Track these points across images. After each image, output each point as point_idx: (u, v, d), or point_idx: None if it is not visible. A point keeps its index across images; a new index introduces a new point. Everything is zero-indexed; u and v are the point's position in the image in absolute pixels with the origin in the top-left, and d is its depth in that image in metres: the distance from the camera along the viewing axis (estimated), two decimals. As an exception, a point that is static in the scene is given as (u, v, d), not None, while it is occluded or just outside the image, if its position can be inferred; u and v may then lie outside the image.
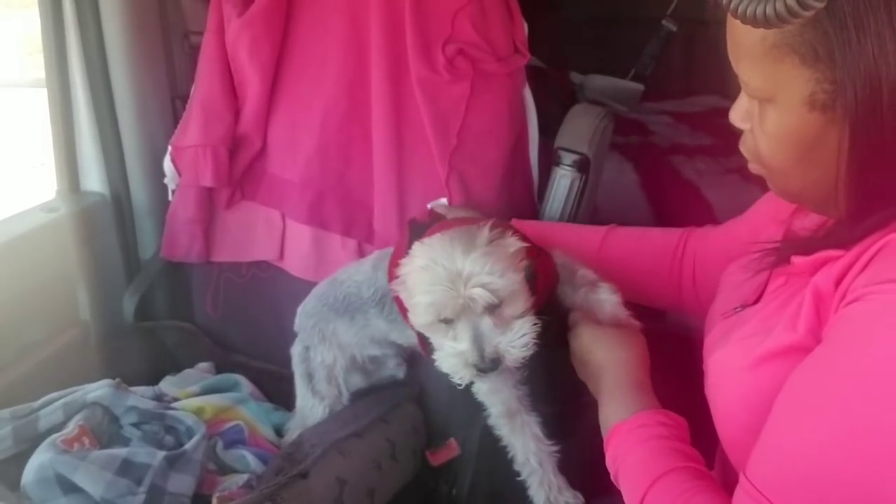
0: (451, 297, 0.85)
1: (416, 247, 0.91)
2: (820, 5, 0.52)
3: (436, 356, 0.91)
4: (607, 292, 0.95)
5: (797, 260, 0.66)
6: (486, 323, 0.86)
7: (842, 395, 0.57)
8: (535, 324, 0.87)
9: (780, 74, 0.61)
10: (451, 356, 0.88)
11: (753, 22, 0.55)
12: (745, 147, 0.72)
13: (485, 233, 0.88)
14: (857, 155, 0.60)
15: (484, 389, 1.01)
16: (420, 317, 0.89)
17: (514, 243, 0.89)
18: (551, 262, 0.98)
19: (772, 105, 0.64)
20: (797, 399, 0.61)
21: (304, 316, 1.21)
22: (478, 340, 0.86)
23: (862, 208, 0.62)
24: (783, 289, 0.71)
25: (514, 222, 1.13)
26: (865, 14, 0.55)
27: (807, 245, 0.67)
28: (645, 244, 1.09)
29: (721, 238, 1.02)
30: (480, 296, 0.84)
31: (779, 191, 0.72)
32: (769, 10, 0.53)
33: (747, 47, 0.63)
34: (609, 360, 0.86)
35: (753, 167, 0.73)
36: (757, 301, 0.76)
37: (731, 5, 0.56)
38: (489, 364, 0.86)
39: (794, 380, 0.61)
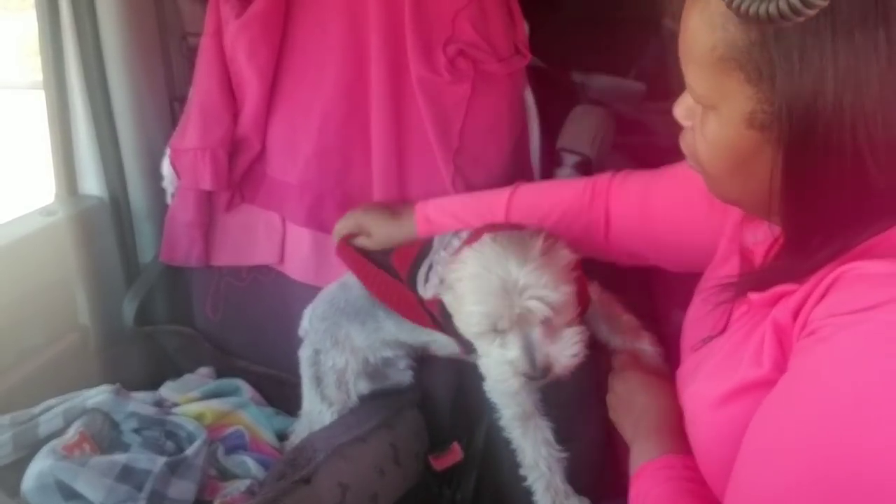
0: (506, 308, 0.85)
1: (468, 253, 0.90)
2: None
3: (482, 363, 0.92)
4: (648, 344, 0.99)
5: (753, 296, 0.66)
6: (537, 332, 0.87)
7: (805, 434, 0.56)
8: (582, 332, 0.88)
9: (725, 87, 0.61)
10: (501, 364, 0.89)
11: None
12: (684, 144, 0.72)
13: (538, 243, 0.88)
14: (789, 180, 0.60)
15: (499, 391, 1.00)
16: (472, 326, 0.89)
17: (566, 255, 0.90)
18: (586, 283, 0.99)
19: (714, 113, 0.64)
20: (761, 439, 0.60)
21: (316, 320, 1.20)
22: (528, 349, 0.86)
23: (802, 236, 0.62)
24: (746, 318, 0.71)
25: (416, 208, 1.14)
26: (812, 47, 0.54)
27: (761, 280, 0.66)
28: (550, 197, 1.08)
29: (638, 191, 1.02)
30: (537, 308, 0.85)
31: (716, 194, 0.72)
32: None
33: (697, 54, 0.62)
34: (652, 406, 0.88)
35: (691, 164, 0.73)
36: (724, 330, 0.76)
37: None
38: (540, 373, 0.86)
39: (758, 418, 0.61)
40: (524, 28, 1.28)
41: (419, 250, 1.05)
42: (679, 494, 0.74)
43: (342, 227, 1.20)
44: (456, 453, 1.22)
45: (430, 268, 0.99)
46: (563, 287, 0.86)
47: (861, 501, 0.52)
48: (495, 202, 1.10)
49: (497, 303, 0.85)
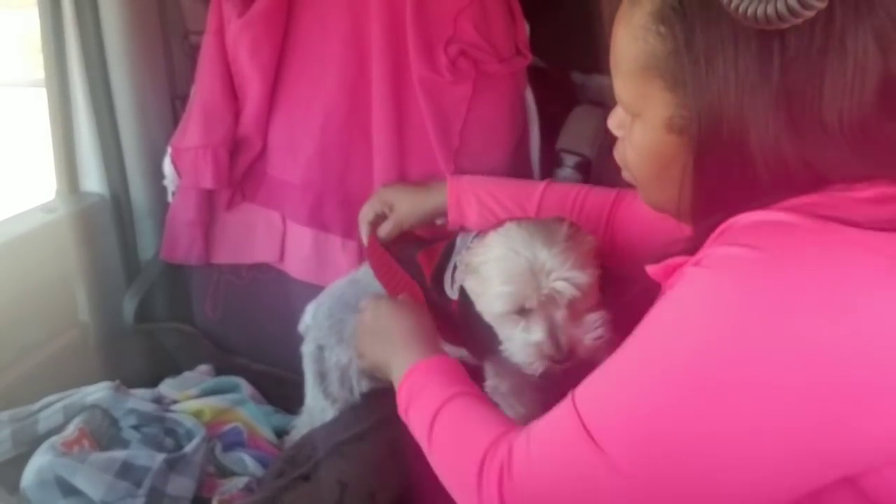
0: (533, 288, 0.86)
1: (493, 237, 0.91)
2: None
3: (505, 346, 0.92)
4: None
5: (650, 269, 0.69)
6: (561, 315, 0.88)
7: (659, 346, 0.59)
8: (604, 316, 0.89)
9: (647, 94, 0.65)
10: (525, 346, 0.89)
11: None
12: (617, 154, 0.75)
13: (564, 228, 0.90)
14: (697, 181, 0.63)
15: (504, 390, 1.00)
16: (497, 306, 0.90)
17: (590, 241, 0.92)
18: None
19: (639, 120, 0.68)
20: (629, 347, 0.63)
21: (321, 316, 1.20)
22: (554, 332, 0.87)
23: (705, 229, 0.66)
24: None
25: (449, 178, 1.16)
26: (716, 53, 0.58)
27: (660, 258, 0.69)
28: (580, 202, 1.10)
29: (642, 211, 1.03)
30: (564, 289, 0.86)
31: (645, 200, 0.75)
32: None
33: (622, 64, 0.66)
34: (405, 323, 0.92)
35: (626, 175, 0.76)
36: None
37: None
38: (564, 355, 0.87)
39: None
40: (525, 28, 1.28)
41: (444, 249, 1.05)
42: (460, 375, 0.80)
43: (368, 209, 1.19)
44: (454, 452, 1.22)
45: (455, 268, 0.99)
46: (588, 270, 0.88)
47: (710, 412, 0.54)
48: (530, 189, 1.12)
49: (524, 284, 0.86)
